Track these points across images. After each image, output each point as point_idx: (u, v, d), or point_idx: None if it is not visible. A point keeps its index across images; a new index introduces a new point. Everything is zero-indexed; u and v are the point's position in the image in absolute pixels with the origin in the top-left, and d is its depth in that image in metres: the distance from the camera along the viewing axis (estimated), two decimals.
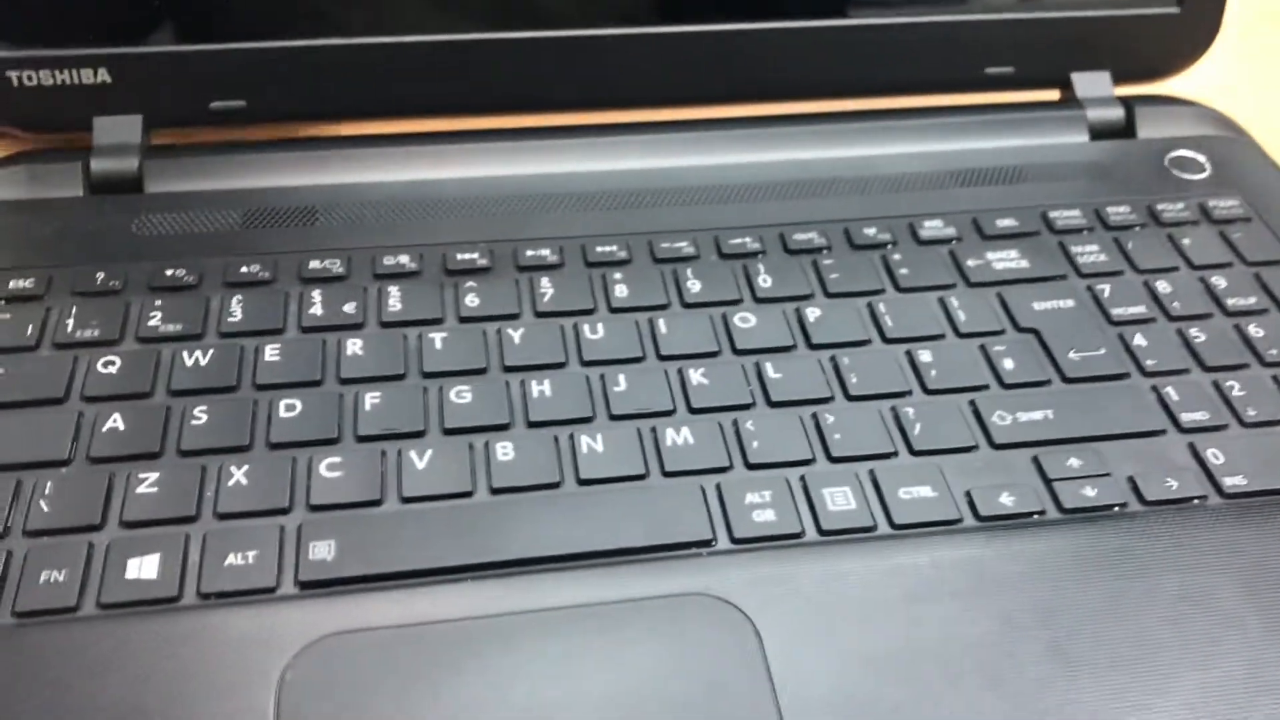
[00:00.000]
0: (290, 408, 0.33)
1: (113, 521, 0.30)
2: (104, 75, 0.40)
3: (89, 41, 0.39)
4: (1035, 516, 0.32)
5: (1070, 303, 0.38)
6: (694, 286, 0.37)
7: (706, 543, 0.30)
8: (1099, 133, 0.45)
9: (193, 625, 0.28)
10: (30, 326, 0.35)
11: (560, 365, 0.35)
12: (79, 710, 0.26)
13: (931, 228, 0.40)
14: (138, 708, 0.27)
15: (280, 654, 0.28)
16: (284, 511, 0.30)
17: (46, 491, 0.30)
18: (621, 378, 0.34)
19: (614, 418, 0.33)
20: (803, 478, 0.32)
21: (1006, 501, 0.32)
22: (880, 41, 0.44)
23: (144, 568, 0.29)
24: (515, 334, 0.36)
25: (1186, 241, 0.40)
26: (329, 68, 0.41)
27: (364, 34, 0.40)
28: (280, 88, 0.41)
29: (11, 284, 0.36)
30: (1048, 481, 0.32)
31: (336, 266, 0.37)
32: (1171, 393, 0.35)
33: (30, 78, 0.39)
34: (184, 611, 0.28)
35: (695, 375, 0.35)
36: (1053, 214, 0.41)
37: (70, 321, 0.35)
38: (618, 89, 0.43)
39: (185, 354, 0.34)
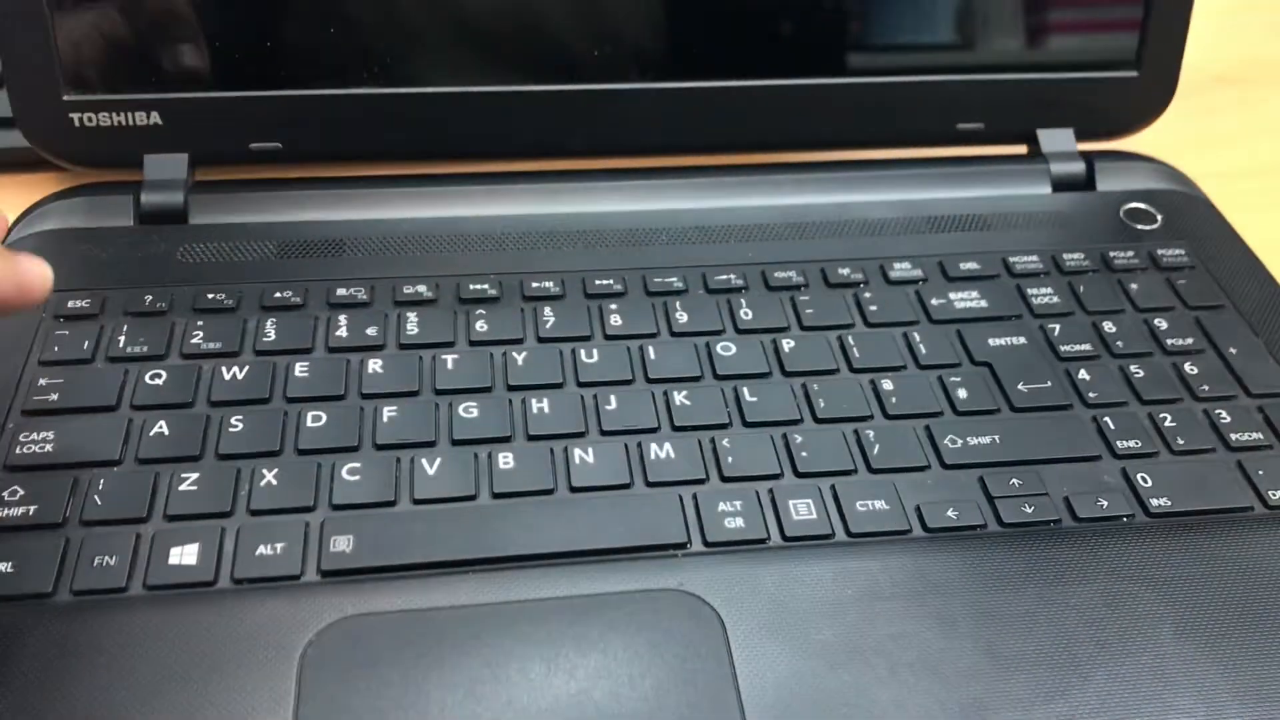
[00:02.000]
0: (316, 419, 0.37)
1: (158, 515, 0.34)
2: (155, 118, 0.44)
3: (142, 88, 0.44)
4: (977, 529, 0.35)
5: (1022, 340, 0.41)
6: (682, 317, 0.41)
7: (681, 545, 0.34)
8: (1061, 185, 0.49)
9: (227, 606, 0.32)
10: (86, 342, 0.39)
11: (558, 385, 0.39)
12: (127, 678, 0.30)
13: (900, 269, 0.44)
14: (178, 675, 0.30)
15: (303, 632, 0.31)
16: (309, 509, 0.34)
17: (100, 487, 0.34)
18: (613, 398, 0.38)
19: (605, 433, 0.37)
20: (771, 490, 0.36)
21: (952, 515, 0.35)
22: (861, 99, 0.48)
23: (185, 555, 0.33)
24: (519, 357, 0.40)
25: (1134, 286, 0.44)
26: (358, 114, 0.45)
27: (390, 84, 0.45)
28: (313, 131, 0.45)
29: (70, 304, 0.40)
30: (990, 499, 0.36)
31: (361, 294, 0.41)
32: (1109, 422, 0.39)
33: (90, 119, 0.44)
34: (219, 594, 0.32)
35: (679, 397, 0.38)
36: (1012, 259, 0.45)
37: (122, 338, 0.39)
38: (620, 138, 0.47)
39: (224, 369, 0.38)
